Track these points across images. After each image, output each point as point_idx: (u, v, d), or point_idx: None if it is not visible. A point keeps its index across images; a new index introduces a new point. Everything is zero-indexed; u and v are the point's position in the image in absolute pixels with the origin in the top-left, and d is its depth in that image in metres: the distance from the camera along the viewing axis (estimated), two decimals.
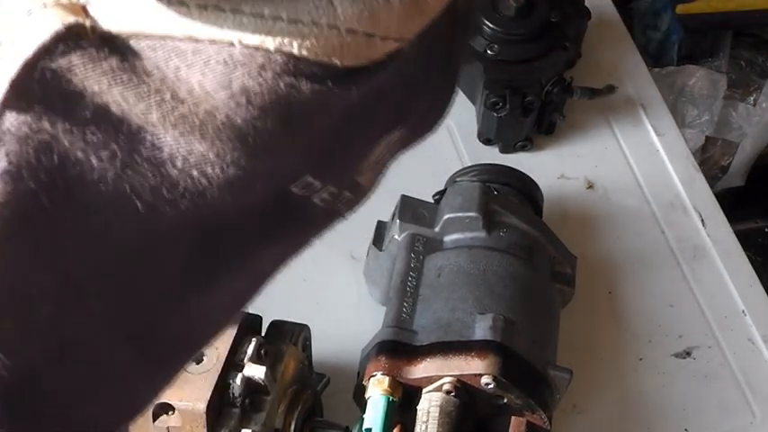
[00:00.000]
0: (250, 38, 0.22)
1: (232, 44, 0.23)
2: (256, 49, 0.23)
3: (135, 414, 0.32)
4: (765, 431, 0.74)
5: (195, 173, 0.24)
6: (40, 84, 0.22)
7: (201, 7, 0.22)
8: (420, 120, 0.31)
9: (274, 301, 0.76)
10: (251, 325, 0.59)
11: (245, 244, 0.28)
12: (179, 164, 0.24)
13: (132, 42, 0.23)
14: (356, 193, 0.30)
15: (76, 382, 0.28)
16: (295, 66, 0.23)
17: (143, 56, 0.23)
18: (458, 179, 0.76)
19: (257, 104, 0.23)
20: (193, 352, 0.32)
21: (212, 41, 0.22)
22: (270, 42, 0.23)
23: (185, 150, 0.24)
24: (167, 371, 0.31)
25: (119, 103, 0.23)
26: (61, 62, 0.22)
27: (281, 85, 0.23)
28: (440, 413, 0.58)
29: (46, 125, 0.23)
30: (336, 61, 0.24)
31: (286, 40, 0.23)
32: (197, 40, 0.22)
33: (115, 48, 0.23)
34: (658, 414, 0.74)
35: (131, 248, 0.26)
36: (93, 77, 0.23)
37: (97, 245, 0.25)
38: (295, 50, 0.23)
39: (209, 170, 0.24)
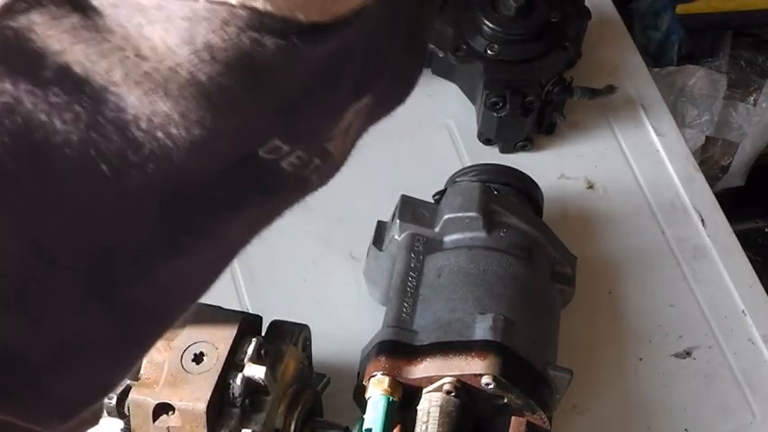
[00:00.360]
0: None
1: None
2: (220, 3, 0.23)
3: (108, 389, 0.31)
4: (765, 431, 0.74)
5: (160, 134, 0.24)
6: (1, 44, 0.22)
7: None
8: (388, 91, 0.31)
9: (274, 301, 0.76)
10: (251, 325, 0.59)
11: (214, 210, 0.28)
12: (143, 125, 0.23)
13: (94, 0, 0.22)
14: (326, 161, 0.29)
15: (48, 354, 0.27)
16: (259, 21, 0.23)
17: (105, 13, 0.23)
18: (458, 179, 0.76)
19: (221, 60, 0.23)
20: (166, 324, 0.31)
21: None
22: None
23: (149, 110, 0.23)
24: (140, 344, 0.30)
25: (81, 63, 0.23)
26: (22, 21, 0.22)
27: (245, 40, 0.23)
28: (440, 413, 0.58)
29: (8, 87, 0.22)
30: (301, 17, 0.23)
31: None
32: None
33: (77, 5, 0.22)
34: (658, 414, 0.74)
35: (100, 216, 0.25)
36: (54, 36, 0.22)
37: (66, 212, 0.25)
38: (259, 5, 0.23)
39: (174, 131, 0.24)
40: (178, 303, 0.31)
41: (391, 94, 0.31)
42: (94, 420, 0.33)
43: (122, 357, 0.30)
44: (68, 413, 0.30)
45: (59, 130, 0.23)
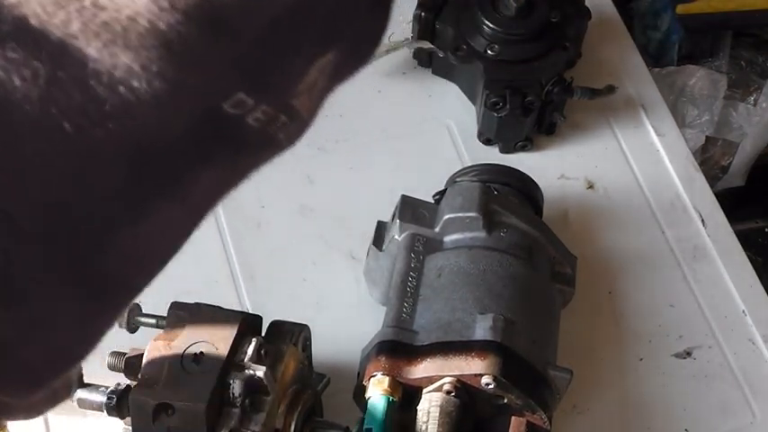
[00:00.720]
0: None
1: None
2: None
3: (77, 358, 0.31)
4: (765, 431, 0.74)
5: (122, 89, 0.23)
6: None
7: None
8: (352, 48, 0.30)
9: (274, 301, 0.76)
10: (251, 325, 0.59)
11: (178, 167, 0.27)
12: (104, 79, 0.23)
13: None
14: (292, 119, 0.29)
15: (14, 324, 0.27)
16: None
17: None
18: (458, 179, 0.76)
19: (180, 8, 0.23)
20: (134, 290, 0.30)
21: None
22: None
23: (110, 63, 0.23)
24: (108, 311, 0.30)
25: (38, 15, 0.22)
26: None
27: None
28: (440, 413, 0.58)
29: None
30: None
31: None
32: None
33: None
34: (658, 414, 0.74)
35: (63, 178, 0.25)
36: None
37: (28, 174, 0.24)
38: None
39: (136, 84, 0.23)
40: (146, 268, 0.30)
41: (356, 52, 0.31)
42: (66, 392, 0.32)
43: (91, 325, 0.30)
44: (37, 383, 0.30)
45: (18, 87, 0.23)
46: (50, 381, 0.30)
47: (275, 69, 0.27)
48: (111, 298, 0.29)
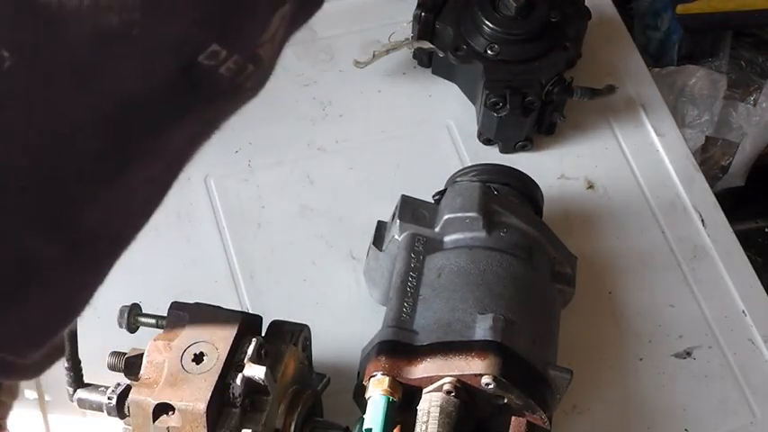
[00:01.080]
0: None
1: None
2: None
3: (70, 316, 0.32)
4: (765, 431, 0.74)
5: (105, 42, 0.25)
6: None
7: None
8: None
9: (274, 301, 0.76)
10: (251, 325, 0.59)
11: (156, 121, 0.29)
12: (87, 30, 0.24)
13: None
14: (258, 67, 0.30)
15: (12, 279, 0.28)
16: None
17: None
18: (458, 179, 0.76)
19: None
20: (117, 246, 0.31)
21: None
22: None
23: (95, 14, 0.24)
24: (95, 267, 0.31)
25: None
26: None
27: None
28: (440, 413, 0.58)
29: None
30: None
31: None
32: None
33: None
34: (658, 414, 0.74)
35: (44, 136, 0.26)
36: None
37: (11, 133, 0.25)
38: None
39: (118, 31, 0.25)
40: (131, 220, 0.31)
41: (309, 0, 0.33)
42: (57, 355, 0.33)
43: (79, 281, 0.31)
44: (37, 341, 0.31)
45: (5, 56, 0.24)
46: (50, 337, 0.31)
47: (244, 20, 0.29)
48: (101, 251, 0.31)
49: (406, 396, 0.60)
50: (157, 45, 0.26)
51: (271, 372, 0.56)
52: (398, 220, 0.69)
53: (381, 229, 0.73)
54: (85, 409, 0.60)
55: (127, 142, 0.28)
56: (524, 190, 0.76)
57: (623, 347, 0.77)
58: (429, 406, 0.59)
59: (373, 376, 0.60)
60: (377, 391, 0.59)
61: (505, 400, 0.60)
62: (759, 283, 0.81)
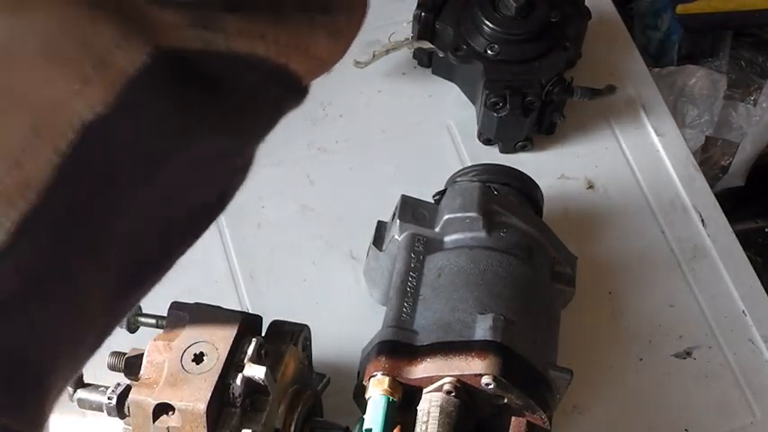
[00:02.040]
0: None
1: None
2: None
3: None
4: (765, 431, 0.74)
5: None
6: None
7: None
8: None
9: (274, 301, 0.76)
10: (251, 325, 0.59)
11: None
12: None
13: None
14: None
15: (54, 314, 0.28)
16: None
17: None
18: (458, 179, 0.76)
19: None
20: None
21: None
22: None
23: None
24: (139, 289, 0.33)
25: None
26: None
27: None
28: (440, 413, 0.58)
29: None
30: None
31: None
32: None
33: None
34: (658, 414, 0.74)
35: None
36: None
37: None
38: None
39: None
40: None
41: None
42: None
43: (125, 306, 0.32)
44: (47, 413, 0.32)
45: None
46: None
47: None
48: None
49: (406, 396, 0.60)
50: None
51: (271, 372, 0.56)
52: (398, 220, 0.69)
53: (381, 229, 0.73)
54: (85, 409, 0.60)
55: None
56: (524, 190, 0.76)
57: (623, 347, 0.77)
58: (429, 406, 0.59)
59: (373, 376, 0.60)
60: (377, 391, 0.59)
61: (505, 400, 0.60)
62: (759, 283, 0.81)
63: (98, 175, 0.26)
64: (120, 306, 0.30)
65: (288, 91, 0.30)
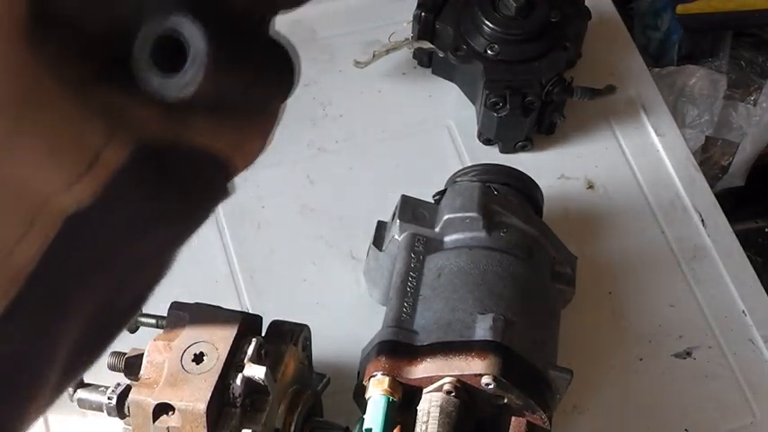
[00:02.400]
0: None
1: None
2: None
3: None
4: (765, 431, 0.74)
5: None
6: None
7: None
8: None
9: (274, 301, 0.76)
10: (251, 325, 0.59)
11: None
12: None
13: None
14: None
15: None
16: None
17: None
18: (458, 179, 0.76)
19: None
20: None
21: None
22: None
23: None
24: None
25: None
26: None
27: None
28: (440, 413, 0.58)
29: None
30: None
31: None
32: None
33: None
34: (658, 414, 0.74)
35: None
36: None
37: None
38: None
39: None
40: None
41: None
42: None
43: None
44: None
45: None
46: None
47: None
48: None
49: (406, 396, 0.60)
50: None
51: (271, 372, 0.56)
52: (398, 220, 0.69)
53: (381, 229, 0.73)
54: (85, 409, 0.60)
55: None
56: (524, 190, 0.76)
57: (623, 347, 0.77)
58: (429, 406, 0.59)
59: (373, 376, 0.60)
60: (377, 391, 0.59)
61: (505, 400, 0.60)
62: (759, 283, 0.81)
63: (73, 262, 0.27)
64: (63, 384, 0.31)
65: (224, 185, 0.31)
